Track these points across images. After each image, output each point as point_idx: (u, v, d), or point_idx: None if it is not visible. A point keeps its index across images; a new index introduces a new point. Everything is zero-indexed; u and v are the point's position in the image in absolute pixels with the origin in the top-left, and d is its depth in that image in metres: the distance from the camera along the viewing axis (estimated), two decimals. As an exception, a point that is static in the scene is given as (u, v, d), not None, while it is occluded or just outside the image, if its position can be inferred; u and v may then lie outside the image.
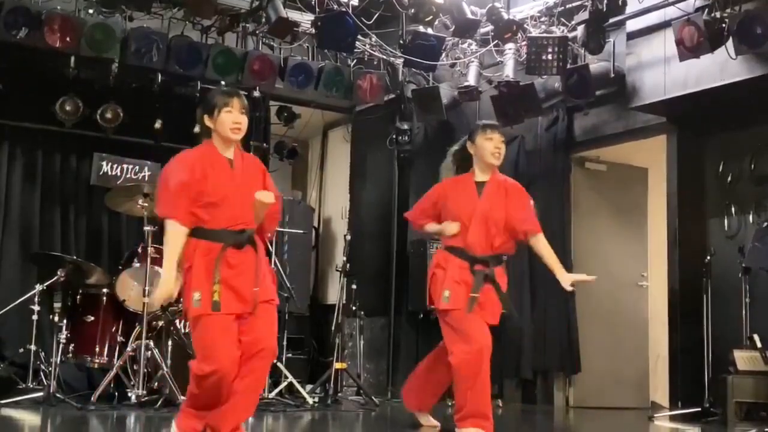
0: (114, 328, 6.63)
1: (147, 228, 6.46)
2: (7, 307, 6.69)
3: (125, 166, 7.65)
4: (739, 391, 6.22)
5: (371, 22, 7.39)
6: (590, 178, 8.69)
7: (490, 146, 4.91)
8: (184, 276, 3.95)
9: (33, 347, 6.37)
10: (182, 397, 5.93)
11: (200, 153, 4.04)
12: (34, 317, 6.35)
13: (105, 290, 6.62)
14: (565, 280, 4.91)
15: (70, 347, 6.44)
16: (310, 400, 6.87)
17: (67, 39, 6.76)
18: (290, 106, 8.86)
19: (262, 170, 4.16)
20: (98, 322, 6.55)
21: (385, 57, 8.10)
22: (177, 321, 6.40)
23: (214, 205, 3.92)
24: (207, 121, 4.05)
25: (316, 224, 9.61)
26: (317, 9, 7.11)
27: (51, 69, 7.49)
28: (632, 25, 7.49)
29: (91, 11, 6.95)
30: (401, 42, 7.56)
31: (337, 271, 7.78)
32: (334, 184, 9.75)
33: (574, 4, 7.31)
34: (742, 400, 6.24)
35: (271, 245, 7.10)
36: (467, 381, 4.73)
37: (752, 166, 7.25)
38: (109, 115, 7.68)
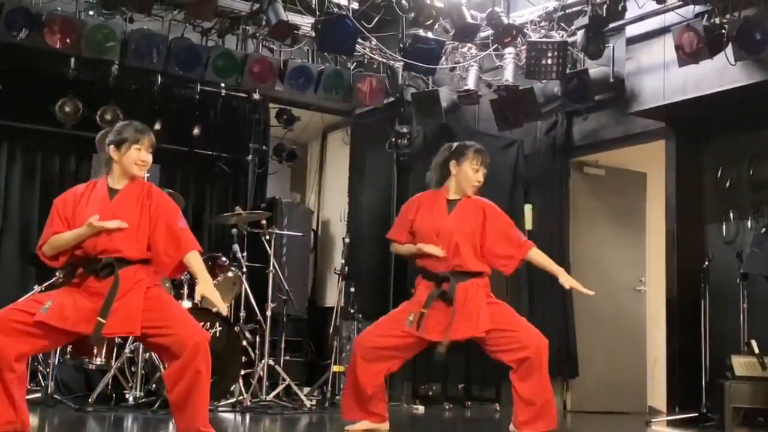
0: (112, 330, 6.62)
1: (146, 229, 6.44)
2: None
3: (124, 167, 7.64)
4: (736, 396, 6.22)
5: (371, 25, 7.40)
6: (589, 182, 8.70)
7: (473, 178, 4.82)
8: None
9: (31, 348, 6.35)
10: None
11: (88, 187, 4.14)
12: (32, 318, 6.33)
13: (103, 291, 6.61)
14: (565, 280, 4.84)
15: (68, 348, 6.42)
16: (308, 403, 6.87)
17: (68, 40, 6.76)
18: (290, 108, 8.86)
19: (156, 202, 4.14)
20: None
21: (384, 60, 8.10)
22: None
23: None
24: (113, 152, 4.11)
25: (314, 227, 9.61)
26: (317, 12, 7.11)
27: (51, 70, 7.50)
28: (632, 31, 7.51)
29: (91, 13, 6.95)
30: (401, 45, 7.56)
31: (336, 273, 7.79)
32: (333, 187, 9.75)
33: (573, 9, 7.32)
34: (739, 405, 6.24)
35: (270, 247, 7.10)
36: None
37: (751, 171, 7.27)
38: (108, 117, 7.67)
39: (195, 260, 4.15)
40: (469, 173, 4.81)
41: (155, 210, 4.11)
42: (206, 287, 4.05)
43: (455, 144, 4.97)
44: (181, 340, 3.97)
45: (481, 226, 4.83)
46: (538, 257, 4.92)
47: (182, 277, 6.82)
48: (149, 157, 4.15)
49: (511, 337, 4.67)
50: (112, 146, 4.11)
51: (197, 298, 4.27)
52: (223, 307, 4.05)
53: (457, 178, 4.84)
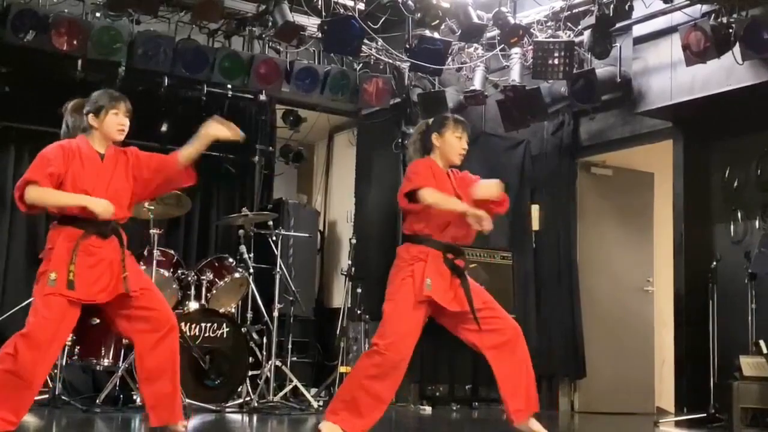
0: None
1: (153, 231, 6.46)
2: (13, 310, 6.71)
3: (131, 169, 7.64)
4: (744, 397, 6.20)
5: (377, 26, 7.40)
6: (596, 182, 8.69)
7: (458, 146, 4.63)
8: (45, 256, 4.18)
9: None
10: (187, 400, 5.95)
11: (74, 145, 4.31)
12: (40, 320, 6.35)
13: (111, 293, 6.62)
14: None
15: (76, 350, 6.45)
16: (315, 404, 6.87)
17: (74, 42, 6.77)
18: (296, 109, 8.86)
19: (134, 155, 4.43)
20: (103, 325, 6.52)
21: (391, 61, 8.10)
22: (182, 324, 6.40)
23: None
24: (92, 120, 4.36)
25: (321, 228, 9.61)
26: (323, 13, 7.11)
27: (58, 72, 7.50)
28: (639, 30, 7.49)
29: (98, 15, 6.96)
30: (407, 46, 7.55)
31: (342, 274, 7.79)
32: (340, 188, 9.75)
33: (580, 9, 7.30)
34: (747, 406, 6.22)
35: (276, 249, 7.11)
36: None
37: (758, 171, 7.24)
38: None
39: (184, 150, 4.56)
40: (454, 142, 4.62)
41: (136, 164, 4.41)
42: (207, 128, 4.58)
43: (431, 119, 4.79)
44: (162, 317, 4.25)
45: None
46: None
47: (189, 279, 6.84)
48: (127, 122, 4.41)
49: (495, 317, 4.60)
50: (91, 114, 4.38)
51: (206, 137, 4.64)
52: (235, 133, 4.60)
53: (442, 150, 4.63)
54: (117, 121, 4.36)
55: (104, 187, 4.25)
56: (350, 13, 7.14)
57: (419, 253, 4.50)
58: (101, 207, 4.14)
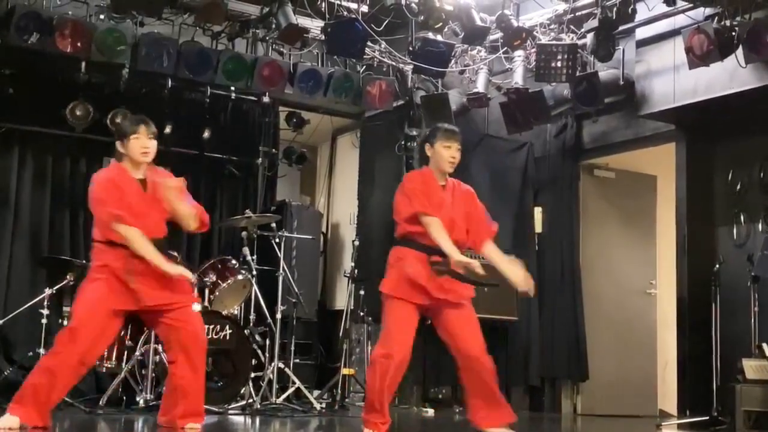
0: (122, 333, 6.63)
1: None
2: (17, 311, 6.72)
3: (134, 170, 7.64)
4: (747, 400, 6.19)
5: (381, 28, 7.40)
6: (599, 185, 8.69)
7: (447, 155, 4.86)
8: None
9: (42, 351, 6.37)
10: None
11: (114, 175, 4.73)
12: (43, 321, 6.37)
13: (114, 295, 6.63)
14: (519, 278, 4.91)
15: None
16: (318, 406, 6.88)
17: (78, 44, 6.78)
18: (299, 111, 8.87)
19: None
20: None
21: (394, 63, 8.11)
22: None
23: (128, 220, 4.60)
24: (119, 147, 4.72)
25: (324, 230, 9.61)
26: (327, 15, 7.12)
27: (62, 74, 7.52)
28: (642, 33, 7.49)
29: (102, 17, 6.97)
30: (410, 48, 7.56)
31: (345, 276, 7.79)
32: (343, 190, 9.76)
33: (583, 12, 7.30)
34: (750, 409, 6.21)
35: (279, 250, 7.12)
36: None
37: (762, 174, 7.24)
38: (119, 120, 7.69)
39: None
40: (442, 151, 4.86)
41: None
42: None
43: (428, 129, 5.09)
44: (192, 332, 4.76)
45: (468, 209, 4.94)
46: (493, 251, 4.99)
47: (193, 281, 6.84)
48: (151, 143, 4.70)
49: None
50: (118, 143, 4.71)
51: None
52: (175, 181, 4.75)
53: (433, 159, 4.90)
54: (140, 144, 4.68)
55: (147, 210, 4.72)
56: (353, 16, 7.14)
57: (400, 254, 4.83)
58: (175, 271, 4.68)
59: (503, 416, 4.90)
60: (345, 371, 7.38)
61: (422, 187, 4.82)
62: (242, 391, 6.65)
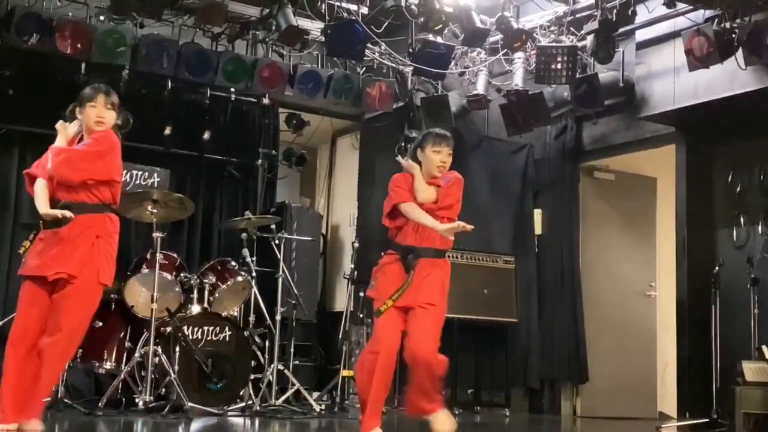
0: (122, 334, 6.65)
1: (156, 234, 6.47)
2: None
3: (134, 172, 7.65)
4: (747, 402, 6.19)
5: (381, 30, 7.40)
6: (599, 187, 8.69)
7: (437, 159, 4.90)
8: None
9: (41, 352, 6.38)
10: (189, 404, 5.96)
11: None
12: (43, 322, 6.36)
13: (113, 296, 6.64)
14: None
15: (78, 352, 6.44)
16: (317, 408, 6.87)
17: (78, 45, 6.79)
18: (299, 113, 8.87)
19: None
20: (106, 328, 6.55)
21: (394, 65, 8.11)
22: (185, 327, 6.41)
23: None
24: (78, 113, 4.62)
25: (324, 231, 9.61)
26: (327, 17, 7.12)
27: (62, 75, 7.51)
28: (642, 35, 7.50)
29: (102, 18, 6.97)
30: (410, 50, 7.56)
31: (345, 278, 7.79)
32: (343, 192, 9.75)
33: (583, 14, 7.31)
34: (750, 411, 6.21)
35: (279, 252, 7.11)
36: None
37: (761, 176, 7.24)
38: (119, 122, 7.67)
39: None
40: (431, 156, 4.92)
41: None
42: None
43: (421, 135, 5.14)
44: None
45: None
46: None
47: (192, 282, 6.85)
48: (107, 113, 4.58)
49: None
50: (77, 108, 4.63)
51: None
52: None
53: (424, 164, 4.96)
54: (95, 113, 4.55)
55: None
56: (354, 18, 7.14)
57: (383, 258, 5.03)
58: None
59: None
60: (344, 373, 7.37)
61: (401, 183, 4.95)
62: (242, 393, 6.65)
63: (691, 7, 6.74)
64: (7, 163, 7.67)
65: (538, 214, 8.64)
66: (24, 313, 4.42)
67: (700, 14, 6.75)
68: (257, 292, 7.08)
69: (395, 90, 8.12)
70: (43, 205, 4.43)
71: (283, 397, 6.86)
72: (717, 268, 6.90)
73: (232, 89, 7.81)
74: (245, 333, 6.81)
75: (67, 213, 4.34)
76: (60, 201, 4.41)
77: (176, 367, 6.21)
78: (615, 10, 6.82)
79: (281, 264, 7.09)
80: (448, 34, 7.59)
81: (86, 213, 4.39)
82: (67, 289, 4.33)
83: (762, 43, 6.21)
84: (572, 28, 7.45)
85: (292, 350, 7.49)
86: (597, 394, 8.30)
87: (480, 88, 8.03)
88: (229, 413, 6.39)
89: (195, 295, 6.82)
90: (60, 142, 4.61)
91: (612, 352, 8.37)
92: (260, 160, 8.64)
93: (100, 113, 4.55)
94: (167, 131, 7.74)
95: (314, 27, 7.42)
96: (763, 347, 6.37)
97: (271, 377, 6.74)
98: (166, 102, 7.77)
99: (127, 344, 6.59)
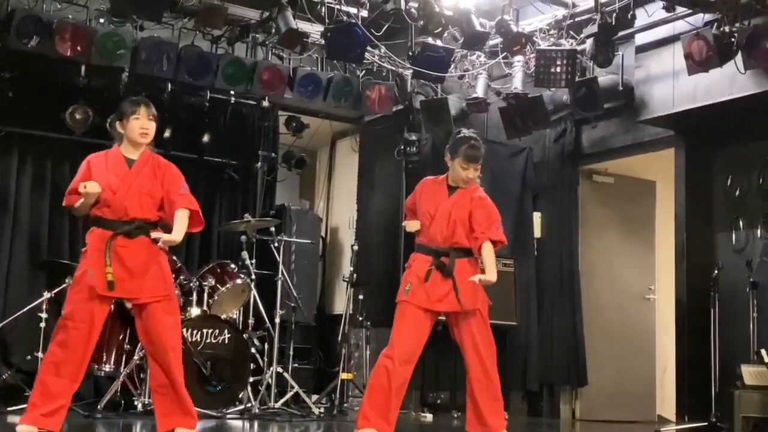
0: (121, 336, 6.64)
1: (155, 235, 6.45)
2: (15, 315, 6.72)
3: (134, 174, 7.65)
4: (746, 405, 6.20)
5: (380, 33, 7.41)
6: (598, 190, 8.69)
7: (463, 175, 4.92)
8: (81, 256, 4.57)
9: (40, 354, 6.35)
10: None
11: (102, 155, 4.67)
12: (42, 324, 6.36)
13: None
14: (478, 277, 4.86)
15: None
16: (316, 411, 6.87)
17: (78, 48, 6.79)
18: (299, 116, 8.87)
19: (163, 168, 4.67)
20: (105, 330, 6.48)
21: (394, 68, 8.12)
22: (184, 330, 6.41)
23: (105, 199, 4.49)
24: (119, 127, 4.65)
25: (323, 234, 9.61)
26: (327, 20, 7.13)
27: (61, 77, 7.52)
28: (641, 39, 7.51)
29: (102, 20, 6.98)
30: (410, 53, 7.57)
31: (344, 281, 7.78)
32: (342, 194, 9.76)
33: (583, 18, 7.33)
34: (749, 415, 6.22)
35: (278, 255, 7.12)
36: None
37: (760, 180, 7.25)
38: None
39: (179, 215, 4.62)
40: (458, 170, 4.94)
41: (163, 178, 4.64)
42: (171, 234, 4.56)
43: (456, 135, 5.09)
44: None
45: (470, 212, 4.93)
46: (486, 253, 4.88)
47: (191, 285, 6.85)
48: (150, 124, 4.63)
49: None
50: (117, 122, 4.65)
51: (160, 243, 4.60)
52: (171, 239, 4.56)
53: (451, 170, 4.99)
54: (139, 125, 4.59)
55: (127, 187, 4.51)
56: (353, 21, 7.15)
57: (411, 259, 4.96)
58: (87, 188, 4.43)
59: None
60: (344, 376, 7.37)
61: (413, 195, 5.07)
62: (240, 396, 6.64)
63: (690, 10, 6.75)
64: (7, 165, 7.66)
65: (537, 217, 8.65)
66: None
67: (700, 18, 6.76)
68: (256, 295, 7.09)
69: (395, 93, 8.13)
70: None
71: (282, 400, 6.86)
72: (716, 271, 6.90)
73: (232, 92, 7.82)
74: (244, 336, 6.81)
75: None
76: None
77: (175, 370, 6.19)
78: (614, 14, 6.83)
79: (280, 267, 7.09)
80: (448, 37, 7.59)
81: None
82: None
83: (761, 46, 6.22)
84: (572, 32, 7.46)
85: (291, 353, 7.49)
86: (596, 397, 8.30)
87: (479, 92, 8.04)
88: (228, 416, 6.39)
89: (194, 297, 6.82)
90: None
91: (611, 355, 8.37)
92: (260, 163, 8.63)
93: (143, 125, 4.61)
94: (167, 134, 7.73)
95: (314, 30, 7.43)
96: (763, 351, 6.37)
97: (270, 380, 6.75)
98: (165, 104, 7.75)
99: (126, 347, 6.58)
